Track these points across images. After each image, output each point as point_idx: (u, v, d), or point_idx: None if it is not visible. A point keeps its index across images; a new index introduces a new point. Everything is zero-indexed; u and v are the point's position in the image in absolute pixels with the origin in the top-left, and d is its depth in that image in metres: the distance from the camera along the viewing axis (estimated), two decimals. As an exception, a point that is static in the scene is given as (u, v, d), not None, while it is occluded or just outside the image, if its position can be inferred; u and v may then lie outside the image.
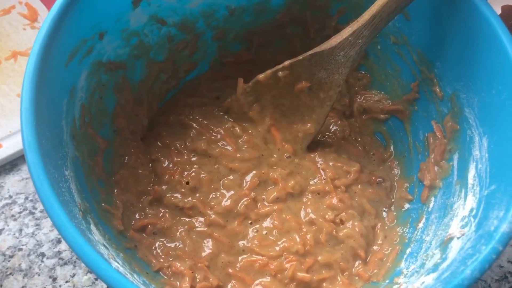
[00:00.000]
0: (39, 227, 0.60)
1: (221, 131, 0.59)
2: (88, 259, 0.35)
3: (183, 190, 0.55)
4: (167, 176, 0.56)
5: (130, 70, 0.56)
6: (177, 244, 0.52)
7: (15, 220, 0.60)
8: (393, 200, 0.58)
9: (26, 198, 0.62)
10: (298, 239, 0.53)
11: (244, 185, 0.56)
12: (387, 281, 0.50)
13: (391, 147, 0.61)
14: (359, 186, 0.57)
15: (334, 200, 0.56)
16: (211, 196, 0.55)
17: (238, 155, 0.58)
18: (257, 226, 0.54)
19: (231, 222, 0.54)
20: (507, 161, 0.43)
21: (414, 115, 0.59)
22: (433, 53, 0.54)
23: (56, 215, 0.36)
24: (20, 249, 0.58)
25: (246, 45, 0.64)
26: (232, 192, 0.56)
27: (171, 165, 0.56)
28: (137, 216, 0.53)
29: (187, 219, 0.54)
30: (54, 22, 0.44)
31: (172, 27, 0.58)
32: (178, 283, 0.49)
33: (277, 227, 0.54)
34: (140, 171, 0.55)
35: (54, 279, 0.57)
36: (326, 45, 0.54)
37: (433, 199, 0.53)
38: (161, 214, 0.54)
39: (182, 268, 0.49)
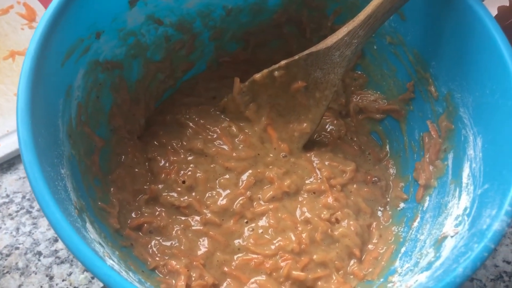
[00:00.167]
0: (36, 226, 0.60)
1: (218, 130, 0.59)
2: (83, 256, 0.36)
3: (179, 189, 0.55)
4: (163, 175, 0.56)
5: (127, 70, 0.57)
6: (173, 243, 0.52)
7: (12, 219, 0.61)
8: (388, 199, 0.58)
9: (23, 197, 0.62)
10: (293, 238, 0.53)
11: (240, 184, 0.56)
12: (381, 279, 0.50)
13: (387, 147, 0.62)
14: (354, 185, 0.58)
15: (330, 199, 0.56)
16: (207, 195, 0.56)
17: (234, 154, 0.58)
18: (253, 225, 0.55)
19: (227, 221, 0.54)
20: (501, 160, 0.44)
21: (409, 114, 0.59)
22: (428, 53, 0.54)
23: (51, 213, 0.37)
24: (17, 248, 0.59)
25: (242, 45, 0.64)
26: (228, 191, 0.56)
27: (167, 164, 0.57)
28: (133, 215, 0.53)
29: (183, 218, 0.54)
30: (51, 21, 0.44)
31: (169, 27, 0.58)
32: (173, 281, 0.49)
33: (273, 226, 0.54)
34: (136, 170, 0.56)
35: (51, 278, 0.57)
36: (322, 45, 0.54)
37: (428, 198, 0.54)
38: (157, 212, 0.54)
39: (178, 266, 0.50)
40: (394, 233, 0.55)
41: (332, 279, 0.52)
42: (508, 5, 0.69)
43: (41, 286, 0.56)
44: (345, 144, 0.61)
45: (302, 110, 0.58)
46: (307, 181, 0.58)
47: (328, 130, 0.62)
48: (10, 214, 0.61)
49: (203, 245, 0.53)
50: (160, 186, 0.55)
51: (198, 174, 0.56)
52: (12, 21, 0.74)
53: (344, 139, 0.61)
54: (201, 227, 0.54)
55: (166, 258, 0.51)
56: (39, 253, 0.59)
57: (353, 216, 0.55)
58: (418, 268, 0.46)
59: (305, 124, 0.58)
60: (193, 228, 0.54)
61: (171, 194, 0.55)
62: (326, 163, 0.58)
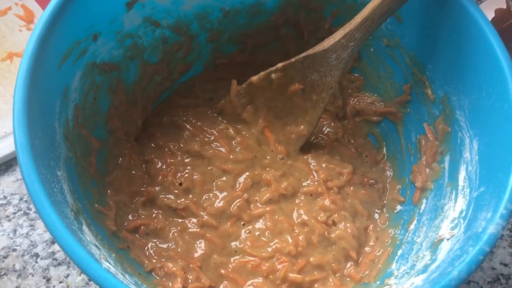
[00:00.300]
0: (33, 228, 0.60)
1: (215, 132, 0.59)
2: (79, 259, 0.36)
3: (176, 191, 0.55)
4: (160, 177, 0.56)
5: (124, 72, 0.57)
6: (170, 245, 0.52)
7: (9, 220, 0.61)
8: (385, 201, 0.59)
9: (21, 199, 0.62)
10: (290, 240, 0.53)
11: (237, 187, 0.57)
12: (378, 282, 0.50)
13: (384, 149, 0.62)
14: (351, 188, 0.58)
15: (327, 202, 0.56)
16: (204, 197, 0.56)
17: (231, 156, 0.58)
18: (250, 227, 0.55)
19: (223, 223, 0.54)
20: (496, 163, 0.44)
21: (406, 117, 0.59)
22: (425, 55, 0.54)
23: (47, 216, 0.37)
24: (14, 250, 0.59)
25: (240, 47, 0.64)
26: (225, 193, 0.56)
27: (164, 166, 0.57)
28: (130, 217, 0.53)
29: (180, 220, 0.54)
30: (48, 23, 0.44)
31: (166, 29, 0.58)
32: (170, 283, 0.49)
33: (270, 228, 0.54)
34: (133, 172, 0.56)
35: (48, 280, 0.57)
36: (318, 48, 0.54)
37: (424, 201, 0.54)
38: (154, 215, 0.54)
39: (174, 268, 0.50)
40: (390, 235, 0.55)
41: (329, 281, 0.52)
42: (505, 7, 0.69)
43: (38, 288, 0.56)
44: (342, 147, 0.61)
45: (299, 113, 0.59)
46: (304, 184, 0.58)
47: (325, 132, 0.62)
48: (7, 216, 0.61)
49: (200, 248, 0.53)
50: (157, 188, 0.55)
51: (195, 176, 0.56)
52: (10, 23, 0.74)
53: (341, 142, 0.61)
54: (198, 229, 0.54)
55: (163, 260, 0.51)
56: (36, 255, 0.59)
57: (350, 219, 0.55)
58: (414, 270, 0.46)
59: (302, 127, 0.59)
60: (189, 230, 0.54)
61: (168, 196, 0.55)
62: (323, 165, 0.59)
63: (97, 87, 0.53)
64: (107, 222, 0.50)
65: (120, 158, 0.56)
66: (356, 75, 0.63)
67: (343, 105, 0.63)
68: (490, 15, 0.68)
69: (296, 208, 0.56)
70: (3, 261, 0.58)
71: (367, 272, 0.52)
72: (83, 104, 0.51)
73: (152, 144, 0.58)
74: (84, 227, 0.44)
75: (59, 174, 0.44)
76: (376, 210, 0.58)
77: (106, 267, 0.39)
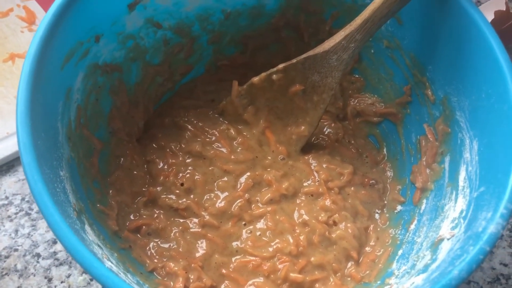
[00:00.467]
0: (35, 228, 0.60)
1: (216, 133, 0.60)
2: (82, 258, 0.36)
3: (177, 191, 0.56)
4: (162, 177, 0.56)
5: (126, 73, 0.57)
6: (171, 245, 0.53)
7: (11, 221, 0.61)
8: (385, 202, 0.59)
9: (23, 199, 0.62)
10: (291, 240, 0.53)
11: (238, 187, 0.57)
12: (378, 282, 0.50)
13: (384, 150, 0.62)
14: (352, 188, 0.58)
15: (327, 202, 0.56)
16: (205, 197, 0.56)
17: (232, 157, 0.58)
18: (251, 227, 0.55)
19: (225, 223, 0.55)
20: (496, 164, 0.44)
21: (406, 118, 0.59)
22: (425, 57, 0.54)
23: (50, 215, 0.37)
24: (16, 250, 0.59)
25: (241, 48, 0.65)
26: (226, 193, 0.56)
27: (166, 167, 0.57)
28: (131, 217, 0.53)
29: (181, 220, 0.55)
30: (50, 24, 0.45)
31: (168, 30, 0.58)
32: (171, 283, 0.49)
33: (271, 228, 0.54)
34: (135, 172, 0.56)
35: (50, 280, 0.57)
36: (319, 49, 0.54)
37: (425, 201, 0.54)
38: (155, 215, 0.54)
39: (176, 268, 0.50)
40: (391, 235, 0.55)
41: (330, 281, 0.52)
42: (504, 9, 0.69)
43: (40, 288, 0.57)
44: (342, 147, 0.61)
45: (300, 113, 0.59)
46: (305, 184, 0.58)
47: (326, 133, 0.62)
48: (9, 216, 0.61)
49: (201, 247, 0.53)
50: (158, 188, 0.56)
51: (196, 177, 0.56)
52: (12, 24, 0.74)
53: (342, 142, 0.61)
54: (199, 229, 0.54)
55: (164, 260, 0.51)
56: (38, 255, 0.59)
57: (351, 219, 0.56)
58: (414, 270, 0.46)
59: (303, 127, 0.59)
60: (191, 230, 0.54)
61: (169, 196, 0.55)
62: (324, 165, 0.59)
63: (99, 88, 0.54)
64: (109, 222, 0.50)
65: (122, 159, 0.56)
66: (357, 76, 0.64)
67: (344, 106, 0.63)
68: (490, 16, 0.69)
69: (297, 208, 0.56)
70: (4, 261, 0.58)
71: (367, 272, 0.52)
72: (85, 105, 0.52)
73: (154, 145, 0.59)
74: (87, 227, 0.44)
75: (62, 174, 0.44)
76: (377, 210, 0.58)
77: (108, 266, 0.40)
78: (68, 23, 0.46)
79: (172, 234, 0.53)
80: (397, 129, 0.61)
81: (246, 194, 0.56)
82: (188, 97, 0.63)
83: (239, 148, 0.59)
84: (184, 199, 0.55)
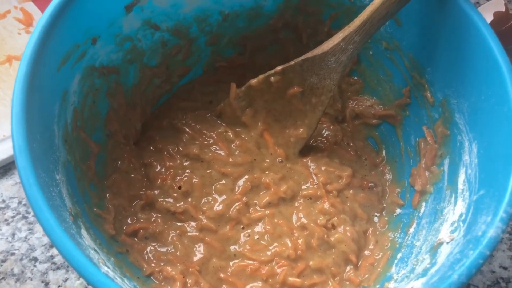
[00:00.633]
0: (32, 232, 0.60)
1: (214, 135, 0.59)
2: (77, 263, 0.36)
3: (175, 194, 0.55)
4: (159, 180, 0.56)
5: (123, 75, 0.57)
6: (169, 249, 0.52)
7: (8, 224, 0.60)
8: (384, 205, 0.58)
9: (19, 202, 0.62)
10: (289, 244, 0.53)
11: (236, 190, 0.56)
12: (377, 286, 0.50)
13: (383, 152, 0.62)
14: (351, 191, 0.58)
15: (326, 205, 0.56)
16: (203, 200, 0.55)
17: (230, 159, 0.58)
18: (249, 230, 0.54)
19: (223, 226, 0.54)
20: (496, 166, 0.43)
21: (405, 120, 0.59)
22: (424, 58, 0.54)
23: (45, 220, 0.36)
24: (13, 254, 0.58)
25: (239, 50, 0.64)
26: (224, 196, 0.56)
27: (163, 170, 0.57)
28: (129, 221, 0.53)
29: (179, 224, 0.54)
30: (46, 26, 0.44)
31: (165, 32, 0.58)
32: (169, 287, 0.49)
33: (269, 232, 0.54)
34: (132, 175, 0.56)
35: (47, 284, 0.57)
36: (317, 51, 0.54)
37: (424, 204, 0.54)
38: (153, 218, 0.54)
39: (173, 272, 0.49)
40: (390, 239, 0.55)
41: (328, 285, 0.51)
42: (503, 10, 0.69)
43: (36, 292, 0.56)
44: (341, 150, 0.61)
45: (299, 116, 0.58)
46: (303, 187, 0.57)
47: (325, 135, 0.62)
48: (6, 220, 0.61)
49: (199, 251, 0.53)
50: (156, 191, 0.55)
51: (194, 180, 0.56)
52: (9, 26, 0.74)
53: (340, 145, 0.61)
54: (197, 233, 0.53)
55: (162, 264, 0.51)
56: (35, 259, 0.58)
57: (350, 222, 0.55)
58: (414, 274, 0.46)
59: (301, 130, 0.58)
60: (189, 234, 0.53)
61: (167, 199, 0.55)
62: (323, 168, 0.58)
63: (96, 90, 0.53)
64: (105, 226, 0.50)
65: (119, 162, 0.56)
66: (355, 78, 0.63)
67: (342, 108, 0.63)
68: (489, 18, 0.68)
69: (295, 211, 0.56)
70: (1, 265, 0.58)
71: (366, 275, 0.52)
72: (82, 107, 0.51)
73: (151, 148, 0.58)
74: (83, 231, 0.44)
75: (58, 178, 0.44)
76: (376, 214, 0.58)
77: (104, 271, 0.39)
78: (64, 25, 0.46)
79: (169, 238, 0.53)
80: (396, 132, 0.60)
81: (244, 197, 0.56)
82: (186, 99, 0.63)
83: (237, 151, 0.59)
84: (182, 203, 0.55)
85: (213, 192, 0.56)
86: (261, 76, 0.57)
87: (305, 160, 0.59)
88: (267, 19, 0.62)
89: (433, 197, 0.53)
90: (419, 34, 0.54)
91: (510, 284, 0.59)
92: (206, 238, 0.53)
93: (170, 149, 0.58)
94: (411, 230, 0.53)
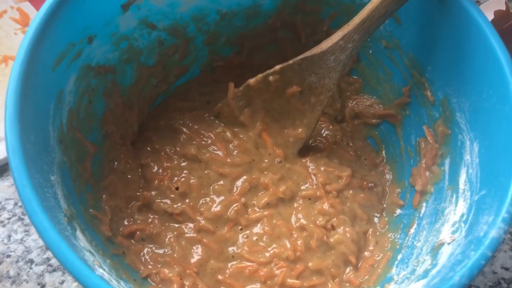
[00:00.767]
0: (28, 233, 0.59)
1: (212, 135, 0.59)
2: (71, 265, 0.35)
3: (172, 195, 0.55)
4: (156, 181, 0.55)
5: (120, 75, 0.56)
6: (166, 251, 0.51)
7: (3, 226, 0.60)
8: (384, 205, 0.58)
9: (16, 204, 0.61)
10: (288, 245, 0.52)
11: (234, 191, 0.56)
12: (378, 287, 0.49)
13: (383, 152, 0.61)
14: (350, 191, 0.57)
15: (325, 206, 0.55)
16: (201, 201, 0.55)
17: (228, 160, 0.57)
18: (247, 232, 0.54)
19: (221, 228, 0.54)
20: (497, 166, 0.43)
21: (405, 119, 0.58)
22: (424, 57, 0.53)
23: (39, 221, 0.36)
24: (9, 256, 0.58)
25: (237, 49, 0.64)
26: (222, 197, 0.55)
27: (160, 171, 0.56)
28: (125, 222, 0.52)
29: (176, 225, 0.54)
30: (41, 25, 0.44)
31: (162, 31, 0.57)
32: (166, 290, 0.48)
33: (268, 233, 0.53)
34: (129, 176, 0.55)
35: (43, 286, 0.56)
36: (316, 50, 0.53)
37: (424, 204, 0.53)
38: (150, 220, 0.53)
39: (171, 274, 0.49)
40: (390, 240, 0.54)
41: (328, 287, 0.51)
42: (504, 9, 0.69)
43: (32, 295, 0.56)
44: (340, 149, 0.60)
45: (297, 115, 0.58)
46: (302, 187, 0.57)
47: (324, 135, 0.61)
48: (1, 221, 0.60)
49: (197, 253, 0.52)
50: (153, 192, 0.55)
51: (191, 181, 0.55)
52: (5, 26, 0.73)
53: (340, 144, 0.60)
54: (195, 235, 0.53)
55: (159, 266, 0.50)
56: (31, 261, 0.58)
57: (349, 223, 0.55)
58: (414, 276, 0.45)
59: (300, 129, 0.58)
60: (186, 235, 0.53)
61: (164, 200, 0.54)
62: (322, 168, 0.58)
63: (92, 90, 0.53)
64: (102, 227, 0.49)
65: (116, 162, 0.55)
66: (355, 77, 0.63)
67: (342, 107, 0.62)
68: (489, 16, 0.68)
69: (294, 212, 0.55)
70: (-3, 267, 0.57)
71: (366, 277, 0.51)
72: (77, 107, 0.51)
73: (148, 148, 0.58)
74: (78, 233, 0.43)
75: (53, 179, 0.43)
76: (376, 214, 0.57)
77: (99, 274, 0.39)
78: (59, 24, 0.45)
79: (166, 239, 0.52)
80: (396, 131, 0.60)
81: (243, 198, 0.55)
82: (184, 99, 0.62)
83: (235, 151, 0.58)
84: (179, 204, 0.54)
85: (211, 193, 0.55)
86: (259, 76, 0.57)
87: (304, 160, 0.59)
88: (265, 18, 0.61)
89: (434, 197, 0.52)
90: (419, 33, 0.53)
91: (511, 285, 0.58)
92: (204, 240, 0.52)
93: (168, 150, 0.57)
94: (412, 230, 0.52)
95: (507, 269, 0.59)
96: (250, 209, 0.55)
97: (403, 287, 0.45)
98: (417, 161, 0.56)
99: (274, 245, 0.53)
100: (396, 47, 0.56)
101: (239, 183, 0.56)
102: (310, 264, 0.52)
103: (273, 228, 0.54)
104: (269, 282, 0.50)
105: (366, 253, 0.54)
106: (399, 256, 0.51)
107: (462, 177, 0.48)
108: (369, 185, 0.58)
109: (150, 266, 0.50)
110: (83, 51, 0.50)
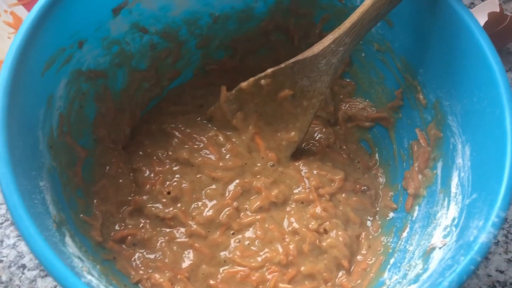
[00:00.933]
0: (20, 238, 0.59)
1: (204, 139, 0.58)
2: (57, 272, 0.35)
3: (164, 200, 0.54)
4: (148, 186, 0.55)
5: (111, 79, 0.56)
6: (157, 256, 0.51)
7: (-4, 231, 0.60)
8: (377, 208, 0.57)
9: (8, 209, 0.61)
10: (280, 249, 0.52)
11: (226, 195, 0.56)
12: (370, 292, 0.49)
13: (376, 155, 0.61)
14: (343, 195, 0.57)
15: (318, 209, 0.55)
16: (192, 206, 0.55)
17: (221, 164, 0.57)
18: (240, 236, 0.53)
19: (212, 232, 0.53)
20: (488, 169, 0.43)
21: (398, 122, 0.58)
22: (416, 60, 0.53)
23: (25, 228, 0.36)
24: (1, 261, 0.58)
25: (230, 52, 0.64)
26: (215, 201, 0.55)
27: (152, 175, 0.56)
28: (117, 227, 0.52)
29: (167, 230, 0.53)
30: (30, 30, 0.43)
31: (154, 35, 0.57)
32: (157, 295, 0.48)
33: (260, 237, 0.53)
34: (121, 180, 0.55)
35: (35, 291, 0.56)
36: (308, 53, 0.53)
37: (417, 208, 0.53)
38: (141, 224, 0.53)
39: (162, 280, 0.49)
40: (383, 243, 0.54)
41: (320, 291, 0.51)
42: (498, 11, 0.68)
43: (24, 300, 0.55)
44: (334, 153, 0.60)
45: (290, 119, 0.58)
46: (295, 191, 0.57)
47: (317, 138, 0.61)
48: (-6, 226, 0.60)
49: (188, 258, 0.52)
50: (144, 197, 0.54)
51: (183, 185, 0.55)
52: (-1, 30, 0.73)
53: (333, 148, 0.60)
54: (186, 239, 0.53)
55: (150, 271, 0.50)
56: (23, 266, 0.58)
57: (342, 226, 0.54)
58: (406, 280, 0.45)
59: (293, 133, 0.58)
60: (178, 240, 0.52)
61: (155, 205, 0.54)
62: (315, 172, 0.58)
63: (83, 94, 0.53)
64: (92, 232, 0.49)
65: (107, 167, 0.55)
66: (348, 80, 0.63)
67: (335, 110, 0.62)
68: (484, 18, 0.68)
69: (287, 216, 0.55)
70: (-11, 273, 0.57)
71: (359, 281, 0.51)
72: (68, 112, 0.50)
73: (140, 152, 0.58)
74: (67, 239, 0.43)
75: (42, 185, 0.43)
76: (369, 218, 0.57)
77: (87, 281, 0.38)
78: (49, 28, 0.45)
79: (158, 244, 0.52)
80: (389, 134, 0.59)
81: (235, 202, 0.55)
82: (176, 103, 0.62)
83: (228, 155, 0.58)
84: (171, 208, 0.54)
85: (203, 197, 0.55)
86: (251, 79, 0.57)
87: (297, 164, 0.58)
88: (258, 22, 0.61)
89: (426, 201, 0.52)
90: (411, 36, 0.53)
91: (506, 287, 0.58)
92: (196, 244, 0.52)
93: (160, 154, 0.57)
94: (404, 234, 0.52)
95: (501, 272, 0.59)
96: (242, 213, 0.55)
97: (395, 292, 0.45)
98: (410, 164, 0.56)
99: (266, 250, 0.52)
100: (388, 50, 0.56)
101: (231, 187, 0.56)
102: (302, 268, 0.51)
103: (265, 232, 0.54)
104: (261, 287, 0.50)
105: (359, 257, 0.54)
106: (392, 260, 0.51)
107: (454, 181, 0.47)
108: (362, 188, 0.58)
109: (141, 271, 0.50)
110: (73, 56, 0.50)
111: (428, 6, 0.49)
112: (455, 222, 0.44)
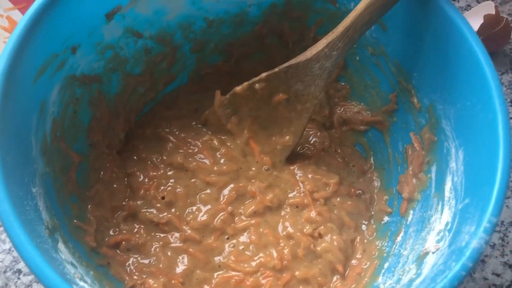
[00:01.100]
0: (16, 243, 0.59)
1: (199, 144, 0.58)
2: (47, 280, 0.35)
3: (158, 205, 0.54)
4: (142, 191, 0.55)
5: (105, 84, 0.56)
6: (151, 261, 0.51)
7: (-9, 236, 0.60)
8: (372, 212, 0.57)
9: None
10: (275, 254, 0.52)
11: (221, 199, 0.55)
12: (364, 296, 0.49)
13: (371, 159, 0.61)
14: (338, 199, 0.57)
15: (313, 213, 0.55)
16: (187, 211, 0.55)
17: (215, 168, 0.57)
18: (234, 241, 0.53)
19: (207, 237, 0.53)
20: (481, 174, 0.42)
21: (393, 126, 0.58)
22: (410, 64, 0.53)
23: (15, 235, 0.36)
24: (-4, 266, 0.58)
25: (225, 56, 0.64)
26: (209, 206, 0.55)
27: (147, 180, 0.56)
28: (111, 232, 0.52)
29: (162, 235, 0.53)
30: (22, 36, 0.43)
31: (148, 39, 0.57)
32: (151, 300, 0.48)
33: (254, 242, 0.53)
34: (115, 185, 0.55)
35: (30, 296, 0.56)
36: (301, 57, 0.53)
37: (411, 212, 0.53)
38: (135, 230, 0.53)
39: (156, 285, 0.49)
40: (378, 247, 0.54)
41: (315, 296, 0.50)
42: (494, 13, 0.68)
43: (19, 305, 0.55)
44: (329, 156, 0.60)
45: (284, 123, 0.58)
46: (290, 195, 0.56)
47: (312, 142, 0.61)
48: (-11, 231, 0.60)
49: (183, 263, 0.52)
50: (139, 202, 0.54)
51: (178, 190, 0.55)
52: (-5, 35, 0.73)
53: (328, 151, 0.60)
54: (181, 244, 0.53)
55: (144, 276, 0.50)
56: (19, 271, 0.58)
57: (337, 231, 0.54)
58: (399, 285, 0.45)
59: (287, 137, 0.58)
60: (172, 245, 0.52)
61: (150, 210, 0.54)
62: (309, 176, 0.57)
63: (77, 100, 0.53)
64: (86, 238, 0.49)
65: (102, 172, 0.55)
66: (343, 84, 0.62)
67: (330, 114, 0.62)
68: (479, 21, 0.68)
69: (281, 220, 0.55)
70: (-16, 278, 0.57)
71: (353, 286, 0.51)
72: (62, 118, 0.50)
73: (135, 157, 0.58)
74: (60, 245, 0.43)
75: (34, 191, 0.43)
76: (364, 222, 0.57)
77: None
78: (41, 34, 0.45)
79: (152, 249, 0.52)
80: (384, 138, 0.59)
81: (229, 207, 0.55)
82: (171, 107, 0.62)
83: (223, 159, 0.58)
84: (165, 213, 0.54)
85: (198, 202, 0.55)
86: (245, 83, 0.57)
87: (292, 168, 0.58)
88: (253, 26, 0.61)
89: (421, 205, 0.52)
90: (404, 40, 0.53)
91: (503, 291, 0.58)
92: (190, 249, 0.52)
93: (154, 159, 0.57)
94: (399, 238, 0.52)
95: (498, 275, 0.59)
96: (237, 218, 0.55)
97: (389, 297, 0.45)
98: (404, 168, 0.55)
99: (261, 254, 0.52)
100: (383, 53, 0.56)
101: (226, 191, 0.56)
102: (297, 273, 0.51)
103: (260, 237, 0.53)
104: (255, 291, 0.50)
105: (354, 261, 0.53)
106: (386, 265, 0.51)
107: (448, 185, 0.47)
108: (357, 192, 0.58)
109: (135, 277, 0.50)
110: (66, 61, 0.49)
111: (422, 11, 0.49)
112: (448, 226, 0.44)
